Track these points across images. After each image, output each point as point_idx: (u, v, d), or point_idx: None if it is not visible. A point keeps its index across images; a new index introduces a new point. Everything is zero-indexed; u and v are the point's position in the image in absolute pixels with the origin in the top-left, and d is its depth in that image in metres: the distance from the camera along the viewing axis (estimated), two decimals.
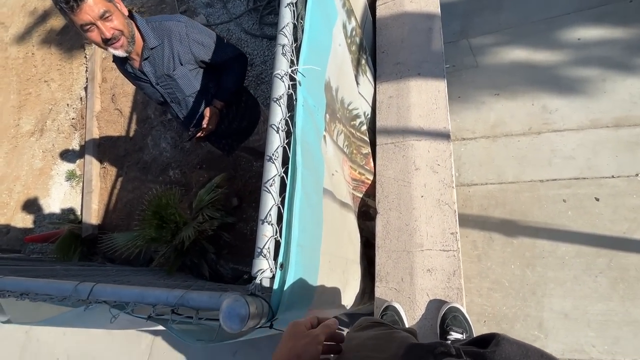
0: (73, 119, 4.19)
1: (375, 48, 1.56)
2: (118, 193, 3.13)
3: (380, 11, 1.65)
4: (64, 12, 1.03)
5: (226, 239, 2.50)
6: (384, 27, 1.60)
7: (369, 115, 1.46)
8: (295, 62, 0.81)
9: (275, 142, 0.74)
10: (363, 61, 1.39)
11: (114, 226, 3.02)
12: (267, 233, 0.67)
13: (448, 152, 1.28)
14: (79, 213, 3.31)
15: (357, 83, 1.31)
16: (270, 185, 0.70)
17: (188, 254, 2.37)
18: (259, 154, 2.23)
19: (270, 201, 0.69)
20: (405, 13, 1.58)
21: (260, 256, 0.66)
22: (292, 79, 0.79)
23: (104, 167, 3.34)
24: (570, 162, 1.92)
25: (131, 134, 3.38)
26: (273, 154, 0.72)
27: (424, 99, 1.39)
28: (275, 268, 0.68)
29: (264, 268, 0.66)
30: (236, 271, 2.41)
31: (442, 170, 1.24)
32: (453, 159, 1.26)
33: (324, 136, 0.96)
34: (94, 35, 1.08)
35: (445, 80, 1.39)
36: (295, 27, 0.84)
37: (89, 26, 1.05)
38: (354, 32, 1.28)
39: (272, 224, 0.68)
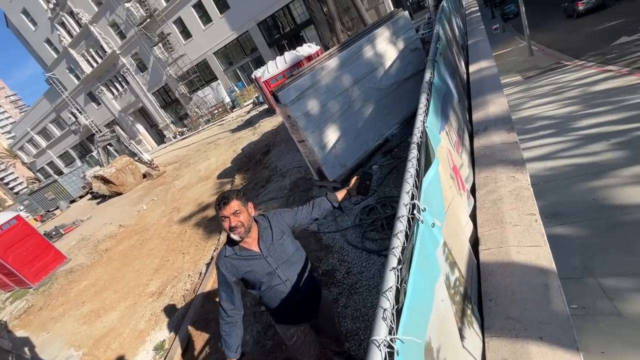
0: (186, 290, 4.79)
1: (480, 294, 1.47)
2: None
3: (484, 256, 1.66)
4: (216, 208, 1.59)
5: None
6: (489, 273, 1.56)
7: None
8: (395, 329, 0.80)
9: None
10: (469, 311, 1.30)
11: None
12: None
13: None
14: None
15: (463, 337, 1.18)
16: None
17: None
18: None
19: None
20: (512, 263, 1.55)
21: None
22: (389, 346, 0.77)
23: (190, 343, 3.41)
24: None
25: None
26: None
27: None
28: None
29: None
30: None
31: None
32: None
33: None
34: (226, 223, 1.58)
35: (582, 356, 1.12)
36: (397, 290, 0.89)
37: (224, 217, 1.57)
38: (457, 282, 1.27)
39: None
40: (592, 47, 13.40)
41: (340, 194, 1.89)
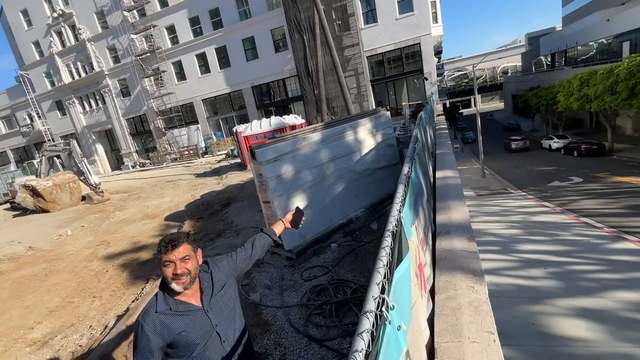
0: (80, 346, 3.87)
1: None
2: None
3: None
4: (159, 251, 1.34)
5: None
6: None
7: None
8: None
9: None
10: None
11: None
12: None
13: None
14: None
15: None
16: None
17: None
18: None
19: None
20: None
21: None
22: None
23: None
24: None
25: None
26: None
27: None
28: None
29: None
30: None
31: None
32: None
33: None
34: (169, 270, 1.33)
35: None
36: None
37: (169, 262, 1.32)
38: None
39: None
40: (532, 183, 15.51)
41: (278, 227, 1.90)
